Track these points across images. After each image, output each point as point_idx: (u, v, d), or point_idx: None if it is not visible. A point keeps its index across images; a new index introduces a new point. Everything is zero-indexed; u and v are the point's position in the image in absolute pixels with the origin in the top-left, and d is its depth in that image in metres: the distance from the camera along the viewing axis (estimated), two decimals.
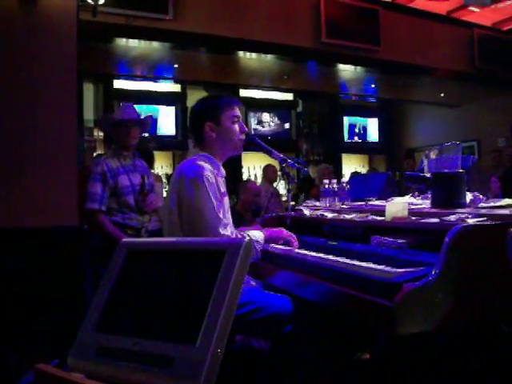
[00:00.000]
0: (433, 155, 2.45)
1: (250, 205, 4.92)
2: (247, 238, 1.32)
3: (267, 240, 2.34)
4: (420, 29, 6.83)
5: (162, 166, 7.85)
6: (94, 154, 6.65)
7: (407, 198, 2.59)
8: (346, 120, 9.85)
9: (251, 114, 8.71)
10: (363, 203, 2.75)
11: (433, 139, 8.70)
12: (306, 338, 2.17)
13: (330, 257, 2.13)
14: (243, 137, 2.43)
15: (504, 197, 2.34)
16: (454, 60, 7.18)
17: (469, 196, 2.16)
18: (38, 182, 3.43)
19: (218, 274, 1.22)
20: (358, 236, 2.32)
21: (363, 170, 9.71)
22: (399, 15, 6.72)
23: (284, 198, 6.53)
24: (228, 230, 2.22)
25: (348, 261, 1.99)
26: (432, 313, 1.53)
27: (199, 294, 1.23)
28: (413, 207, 2.23)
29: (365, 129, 10.10)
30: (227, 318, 1.16)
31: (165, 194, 4.84)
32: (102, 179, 3.32)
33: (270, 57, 6.38)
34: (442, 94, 8.71)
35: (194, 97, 6.97)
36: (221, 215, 2.20)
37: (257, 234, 2.32)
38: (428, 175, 2.28)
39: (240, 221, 4.31)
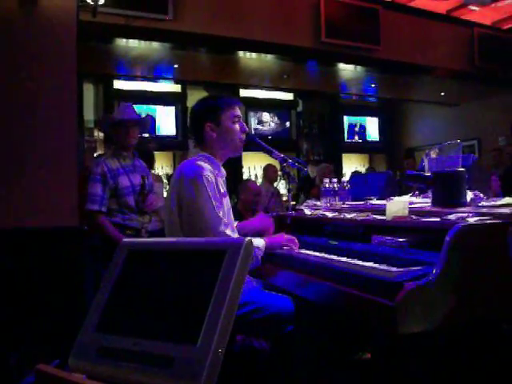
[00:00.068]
0: (433, 154, 2.44)
1: (250, 204, 4.91)
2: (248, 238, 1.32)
3: (268, 247, 2.32)
4: (420, 28, 6.82)
5: (162, 166, 7.85)
6: (95, 155, 6.65)
7: (408, 197, 2.59)
8: (346, 119, 9.86)
9: (251, 114, 8.71)
10: (364, 202, 2.75)
11: (433, 138, 8.69)
12: (307, 337, 2.17)
13: (331, 256, 2.13)
14: (244, 137, 2.43)
15: (505, 195, 2.34)
16: (454, 59, 7.18)
17: (469, 195, 2.16)
18: (38, 182, 3.42)
19: (219, 274, 1.22)
20: (359, 235, 2.32)
21: (363, 170, 9.71)
22: (399, 14, 6.72)
23: (284, 198, 6.53)
24: (228, 230, 2.21)
25: (349, 260, 1.99)
26: (433, 312, 1.54)
27: (200, 294, 1.22)
28: (413, 206, 2.23)
29: (365, 128, 10.10)
30: (228, 318, 1.16)
31: (165, 195, 4.84)
32: (102, 180, 3.32)
33: (270, 57, 6.38)
34: (443, 93, 8.71)
35: (194, 97, 6.97)
36: (221, 215, 2.20)
37: (257, 241, 2.28)
38: (428, 174, 2.27)
39: (241, 221, 4.30)
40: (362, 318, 1.80)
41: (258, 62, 6.66)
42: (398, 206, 2.16)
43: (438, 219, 1.87)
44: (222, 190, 2.31)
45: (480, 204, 2.08)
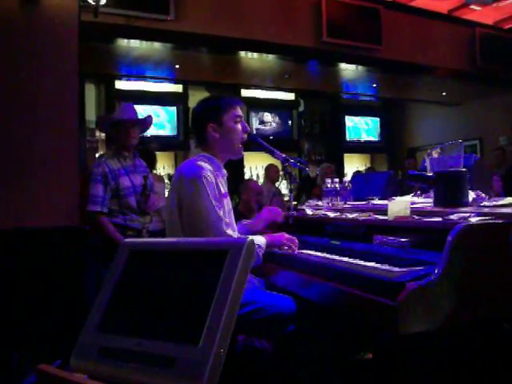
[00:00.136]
0: (435, 154, 2.44)
1: (252, 204, 4.91)
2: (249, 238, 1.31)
3: (269, 245, 2.33)
4: (421, 28, 6.82)
5: (163, 166, 7.85)
6: (97, 155, 6.65)
7: (409, 197, 2.59)
8: (348, 119, 9.85)
9: (253, 114, 8.71)
10: (365, 202, 2.75)
11: (434, 138, 8.69)
12: (309, 338, 2.16)
13: (333, 256, 2.13)
14: (245, 137, 2.43)
15: (506, 195, 2.33)
16: (455, 59, 7.17)
17: (471, 195, 2.15)
18: (39, 182, 3.42)
19: (221, 274, 1.21)
20: (361, 235, 2.32)
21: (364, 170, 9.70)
22: (400, 14, 6.71)
23: (286, 198, 6.53)
24: (229, 230, 2.21)
25: (351, 260, 1.99)
26: (435, 312, 1.53)
27: (202, 294, 1.22)
28: (415, 206, 2.22)
29: (366, 128, 10.09)
30: (230, 318, 1.16)
31: (167, 195, 4.84)
32: (104, 181, 3.32)
33: (271, 57, 6.38)
34: (444, 93, 8.70)
35: (195, 97, 6.97)
36: (221, 214, 2.20)
37: (258, 239, 2.29)
38: (430, 174, 2.27)
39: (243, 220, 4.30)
40: (364, 318, 1.80)
41: (259, 62, 6.66)
42: (399, 205, 2.16)
43: (440, 219, 1.87)
44: (222, 191, 2.31)
45: (482, 204, 2.08)
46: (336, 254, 2.15)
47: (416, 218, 2.04)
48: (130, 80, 7.51)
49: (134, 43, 5.53)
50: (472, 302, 1.61)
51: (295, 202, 4.81)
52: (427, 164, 2.49)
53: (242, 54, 6.20)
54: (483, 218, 1.75)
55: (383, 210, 2.23)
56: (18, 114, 3.41)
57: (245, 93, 8.27)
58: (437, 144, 2.63)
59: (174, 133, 7.92)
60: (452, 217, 1.84)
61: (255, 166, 8.51)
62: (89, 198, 3.32)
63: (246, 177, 8.19)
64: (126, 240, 1.56)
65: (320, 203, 3.15)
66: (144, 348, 1.22)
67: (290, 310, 2.09)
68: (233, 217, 2.45)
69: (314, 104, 9.46)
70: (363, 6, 6.29)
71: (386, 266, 1.77)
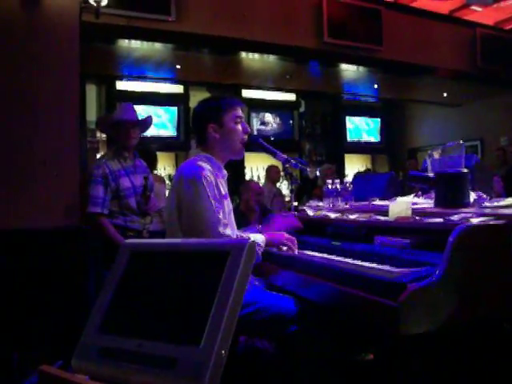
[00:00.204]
0: (436, 155, 2.44)
1: (252, 204, 4.91)
2: (250, 239, 1.32)
3: (268, 243, 2.33)
4: (422, 28, 6.81)
5: (164, 166, 7.85)
6: (98, 156, 6.65)
7: (411, 198, 2.59)
8: (349, 120, 9.84)
9: (254, 115, 8.71)
10: (366, 203, 2.74)
11: (435, 139, 8.69)
12: (310, 338, 2.16)
13: (334, 257, 2.13)
14: (246, 137, 2.43)
15: (508, 196, 2.33)
16: (456, 59, 7.16)
17: (472, 195, 2.15)
18: (40, 182, 3.43)
19: (222, 275, 1.21)
20: (362, 236, 2.32)
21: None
22: (401, 15, 6.71)
23: (287, 199, 6.53)
24: (228, 230, 2.21)
25: (352, 261, 1.99)
26: (436, 312, 1.53)
27: (203, 295, 1.22)
28: (416, 207, 2.22)
29: (367, 129, 10.09)
30: (231, 320, 1.16)
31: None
32: (104, 182, 3.30)
33: (272, 57, 6.38)
34: (445, 94, 8.69)
35: (196, 98, 6.97)
36: (220, 215, 2.20)
37: (258, 237, 2.29)
38: (431, 175, 2.27)
39: (244, 221, 4.30)
40: (365, 318, 1.80)
41: (260, 63, 6.66)
42: (400, 206, 2.16)
43: (441, 220, 1.87)
44: (222, 192, 2.30)
45: (483, 205, 2.08)
46: (337, 255, 2.15)
47: (417, 218, 2.04)
48: (130, 80, 7.51)
49: (135, 44, 5.53)
50: (473, 302, 1.61)
51: (296, 203, 4.81)
52: (428, 165, 2.49)
53: (243, 54, 6.20)
54: (484, 218, 1.75)
55: (384, 211, 2.23)
56: (19, 115, 3.41)
57: (246, 93, 8.28)
58: (438, 145, 2.63)
59: (175, 133, 7.92)
60: (453, 217, 1.84)
61: (256, 166, 8.52)
62: (89, 200, 3.30)
63: (247, 177, 8.19)
64: (127, 241, 1.56)
65: (321, 204, 3.15)
66: (145, 349, 1.22)
67: (291, 311, 2.09)
68: (233, 217, 2.44)
69: (314, 104, 9.46)
70: (364, 7, 6.29)
71: (386, 267, 1.77)
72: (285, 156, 2.67)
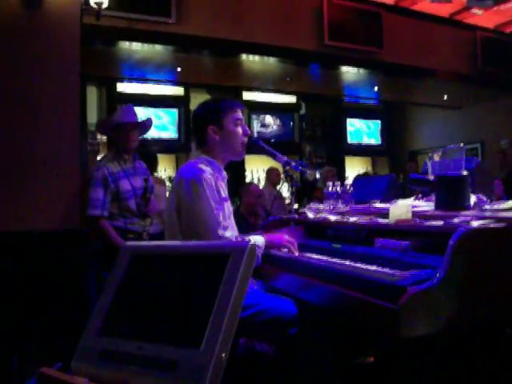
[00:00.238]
0: (437, 157, 2.44)
1: (253, 207, 4.91)
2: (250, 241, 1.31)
3: (268, 245, 2.33)
4: (423, 31, 6.82)
5: (164, 168, 7.85)
6: (98, 158, 6.65)
7: (411, 201, 2.59)
8: (349, 122, 9.84)
9: (254, 117, 8.71)
10: (367, 206, 2.74)
11: (436, 141, 8.69)
12: (310, 341, 2.16)
13: (334, 260, 2.13)
14: (246, 140, 2.43)
15: (508, 199, 2.33)
16: (456, 62, 7.17)
17: (473, 198, 2.15)
18: (40, 184, 3.43)
19: (223, 278, 1.21)
20: (362, 238, 2.31)
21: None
22: (402, 18, 6.71)
23: (287, 201, 6.52)
24: (228, 232, 2.21)
25: (352, 263, 1.99)
26: (436, 315, 1.53)
27: (203, 297, 1.22)
28: (417, 210, 2.22)
29: (368, 131, 10.09)
30: (231, 322, 1.16)
31: None
32: (104, 184, 3.30)
33: (272, 59, 6.39)
34: (445, 96, 8.69)
35: (197, 100, 6.97)
36: (220, 218, 2.20)
37: (258, 239, 2.30)
38: (432, 178, 2.27)
39: (244, 224, 4.30)
40: (365, 321, 1.80)
41: (260, 65, 6.67)
42: (401, 209, 2.15)
43: (442, 223, 1.87)
44: (223, 194, 2.30)
45: (483, 207, 2.08)
46: (337, 257, 2.14)
47: (417, 221, 2.04)
48: (131, 82, 7.52)
49: (136, 46, 5.54)
50: (473, 305, 1.60)
51: (296, 205, 4.80)
52: (428, 167, 2.49)
53: (244, 56, 6.21)
54: (485, 221, 1.75)
55: (385, 214, 2.22)
56: (20, 116, 3.41)
57: (246, 95, 8.27)
58: (438, 147, 2.63)
59: (176, 135, 7.92)
60: (453, 220, 1.83)
61: (256, 169, 8.52)
62: (88, 202, 3.29)
63: (247, 180, 8.18)
64: (128, 244, 1.56)
65: (321, 206, 3.15)
66: (145, 351, 1.22)
67: (291, 313, 2.09)
68: (233, 220, 2.44)
69: (315, 107, 9.46)
70: (365, 10, 6.30)
71: (387, 270, 1.76)
72: (285, 158, 2.67)
